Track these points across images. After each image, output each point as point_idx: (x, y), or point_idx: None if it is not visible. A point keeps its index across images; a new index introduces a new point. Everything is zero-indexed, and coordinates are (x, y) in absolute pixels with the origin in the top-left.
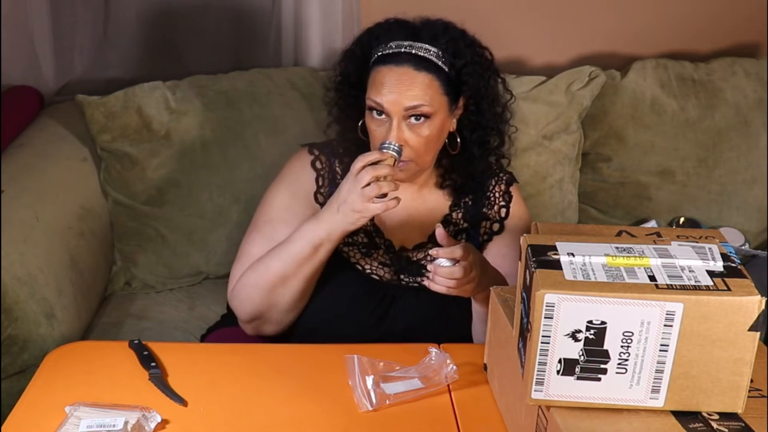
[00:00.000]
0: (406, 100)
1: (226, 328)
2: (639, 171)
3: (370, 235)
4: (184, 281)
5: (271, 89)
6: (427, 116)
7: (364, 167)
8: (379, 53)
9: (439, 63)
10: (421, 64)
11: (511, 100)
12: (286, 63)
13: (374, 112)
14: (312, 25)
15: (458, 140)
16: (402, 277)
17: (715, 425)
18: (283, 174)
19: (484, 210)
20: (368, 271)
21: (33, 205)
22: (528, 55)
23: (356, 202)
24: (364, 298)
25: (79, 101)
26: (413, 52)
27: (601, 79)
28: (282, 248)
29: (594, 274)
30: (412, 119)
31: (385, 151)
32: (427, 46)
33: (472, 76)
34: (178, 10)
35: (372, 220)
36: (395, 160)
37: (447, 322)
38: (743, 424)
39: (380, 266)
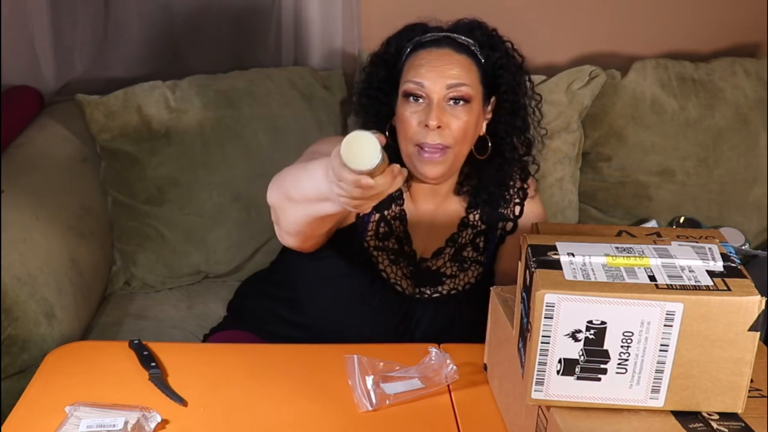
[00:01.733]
0: (448, 78)
1: (227, 332)
2: (639, 171)
3: (400, 242)
4: (183, 280)
5: (270, 89)
6: (466, 100)
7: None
8: (417, 41)
9: (477, 53)
10: (462, 48)
11: (540, 103)
12: (285, 63)
13: (410, 98)
14: (312, 24)
15: (489, 144)
16: (423, 289)
17: (715, 425)
18: (334, 137)
19: (501, 210)
20: (392, 280)
21: (33, 205)
22: (528, 55)
23: (332, 177)
24: (386, 311)
25: (79, 101)
26: (453, 37)
27: (602, 79)
28: (301, 173)
29: (594, 274)
30: (451, 102)
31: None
32: (464, 37)
33: (507, 71)
34: (178, 9)
35: (405, 226)
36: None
37: (461, 334)
38: (743, 424)
39: (403, 277)
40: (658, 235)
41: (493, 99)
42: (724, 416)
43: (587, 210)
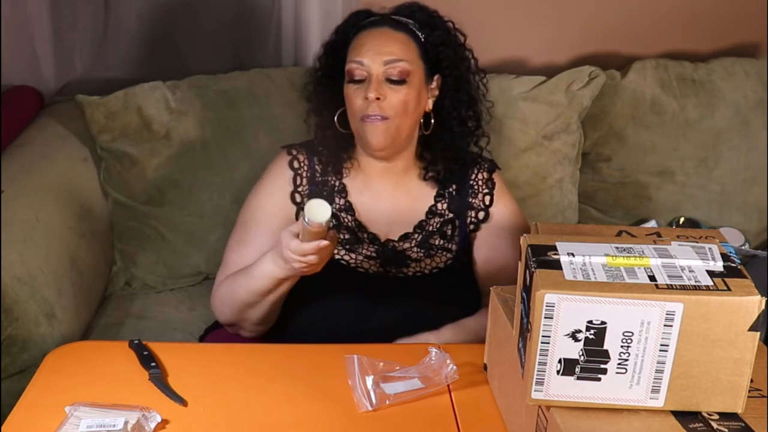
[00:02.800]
0: (385, 55)
1: (223, 329)
2: (639, 171)
3: (352, 231)
4: (184, 281)
5: (271, 89)
6: (405, 77)
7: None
8: (359, 25)
9: (416, 32)
10: (400, 26)
11: (485, 78)
12: (286, 63)
13: (353, 78)
14: (312, 24)
15: (432, 120)
16: (389, 269)
17: (715, 425)
18: (261, 177)
19: (469, 199)
20: (353, 265)
21: (33, 205)
22: (528, 55)
23: (289, 257)
24: (352, 294)
25: (79, 101)
26: (392, 17)
27: (601, 79)
28: (247, 277)
29: (594, 274)
30: (390, 83)
31: (306, 224)
32: (404, 18)
33: (448, 47)
34: (178, 9)
35: (353, 215)
36: (323, 226)
37: (438, 311)
38: (743, 424)
39: (366, 259)
40: (658, 235)
41: (437, 76)
42: (724, 416)
43: (587, 210)
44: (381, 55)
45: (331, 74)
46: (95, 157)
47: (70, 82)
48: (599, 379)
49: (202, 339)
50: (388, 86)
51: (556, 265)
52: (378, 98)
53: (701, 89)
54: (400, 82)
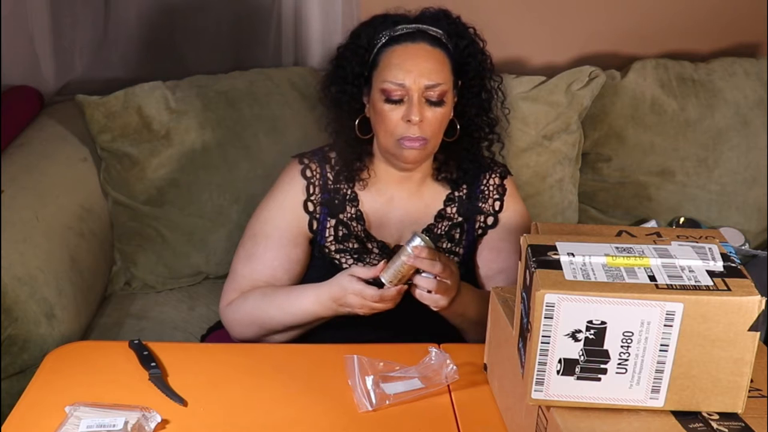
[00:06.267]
0: (426, 78)
1: (224, 330)
2: (639, 171)
3: (361, 241)
4: (184, 281)
5: (271, 89)
6: (443, 98)
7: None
8: (389, 35)
9: (448, 45)
10: (435, 41)
11: (502, 83)
12: (286, 63)
13: (390, 97)
14: (312, 24)
15: (457, 126)
16: None
17: (715, 425)
18: (273, 187)
19: (479, 204)
20: None
21: (33, 205)
22: (528, 55)
23: (363, 305)
24: None
25: (79, 101)
26: (425, 30)
27: (601, 79)
28: (286, 303)
29: (594, 274)
30: (429, 103)
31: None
32: (434, 27)
33: (474, 57)
34: (178, 10)
35: (363, 224)
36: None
37: (445, 319)
38: (743, 424)
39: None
40: (658, 235)
41: (459, 82)
42: (724, 416)
43: (587, 210)
44: (422, 78)
45: (353, 81)
46: (95, 157)
47: (70, 82)
48: (599, 379)
49: (204, 338)
50: (427, 106)
51: (556, 265)
52: (421, 120)
53: (701, 89)
54: (439, 103)
